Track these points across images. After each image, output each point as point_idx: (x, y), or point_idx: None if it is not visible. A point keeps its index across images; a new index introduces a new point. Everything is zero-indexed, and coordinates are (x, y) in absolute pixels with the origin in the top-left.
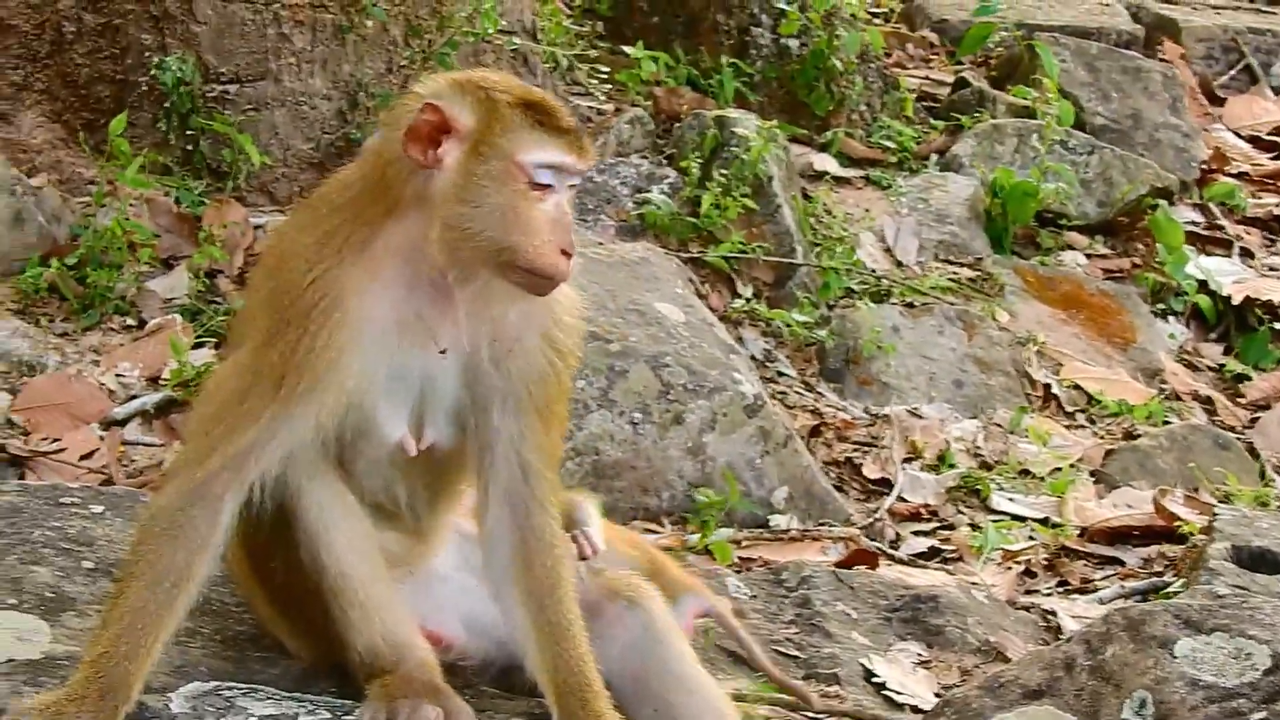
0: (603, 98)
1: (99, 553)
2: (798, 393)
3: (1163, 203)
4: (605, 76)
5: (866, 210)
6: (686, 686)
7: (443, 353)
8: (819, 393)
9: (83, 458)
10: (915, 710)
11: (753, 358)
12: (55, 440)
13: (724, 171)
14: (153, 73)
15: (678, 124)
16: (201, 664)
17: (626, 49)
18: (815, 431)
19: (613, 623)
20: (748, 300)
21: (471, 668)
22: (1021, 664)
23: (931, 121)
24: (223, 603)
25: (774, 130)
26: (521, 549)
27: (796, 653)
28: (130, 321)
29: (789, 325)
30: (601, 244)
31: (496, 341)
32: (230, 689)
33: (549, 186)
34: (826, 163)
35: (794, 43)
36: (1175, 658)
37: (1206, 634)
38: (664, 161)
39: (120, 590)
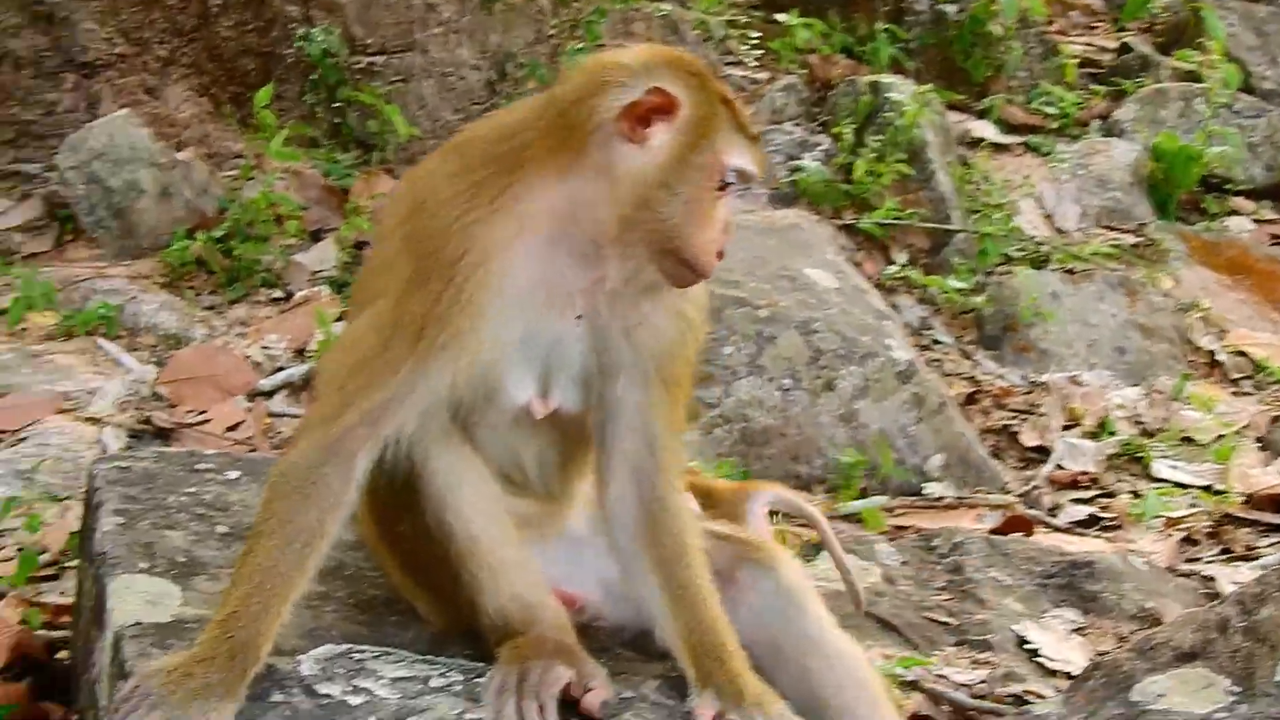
0: (754, 65)
1: (233, 518)
2: (953, 360)
3: None
4: (757, 43)
5: (1025, 177)
6: (824, 652)
7: (578, 319)
8: (975, 360)
9: (228, 430)
10: (1068, 677)
11: (907, 325)
12: (201, 413)
13: (878, 137)
14: (298, 45)
15: (831, 91)
16: (334, 628)
17: (779, 16)
18: (971, 399)
19: (745, 589)
20: (902, 267)
21: (606, 630)
22: (1174, 626)
23: (1093, 87)
24: (357, 567)
25: (929, 95)
26: (649, 519)
27: (948, 619)
28: (277, 294)
29: (945, 292)
30: (753, 211)
31: (629, 313)
32: (361, 652)
33: (730, 188)
34: (985, 129)
35: (951, 8)
36: None
37: None
38: (817, 129)
39: (250, 549)
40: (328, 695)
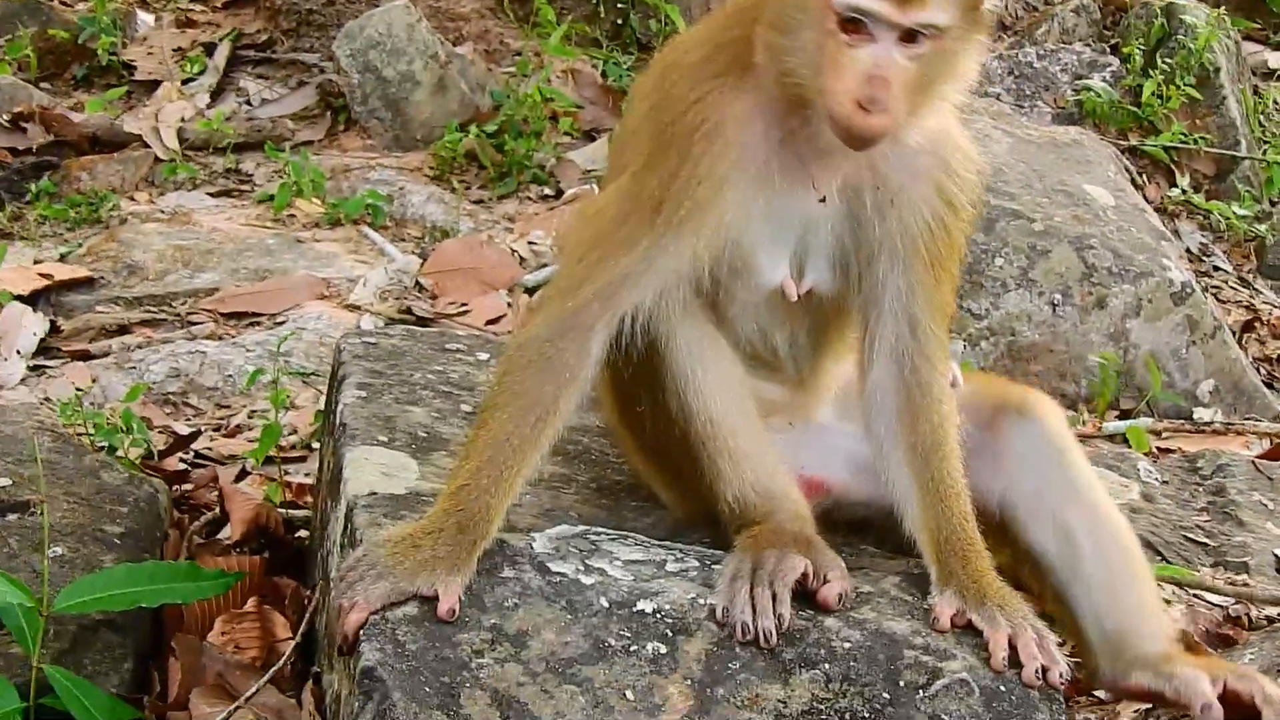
0: None
1: (479, 397)
2: (1232, 288)
3: None
4: None
5: None
6: (1086, 504)
7: (822, 200)
8: (1256, 289)
9: (489, 322)
10: None
11: (1187, 251)
12: (462, 304)
13: (1169, 60)
14: None
15: (1124, 15)
16: (573, 509)
17: None
18: (1248, 326)
19: (1008, 438)
20: (1184, 191)
21: (852, 523)
22: None
23: None
24: (602, 452)
25: (1224, 19)
26: (908, 405)
27: (1206, 540)
28: (547, 190)
29: (1227, 218)
30: (1033, 128)
31: (880, 190)
32: (599, 534)
33: (863, 33)
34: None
35: None
36: None
37: None
38: (1107, 50)
39: (483, 422)
40: (560, 573)
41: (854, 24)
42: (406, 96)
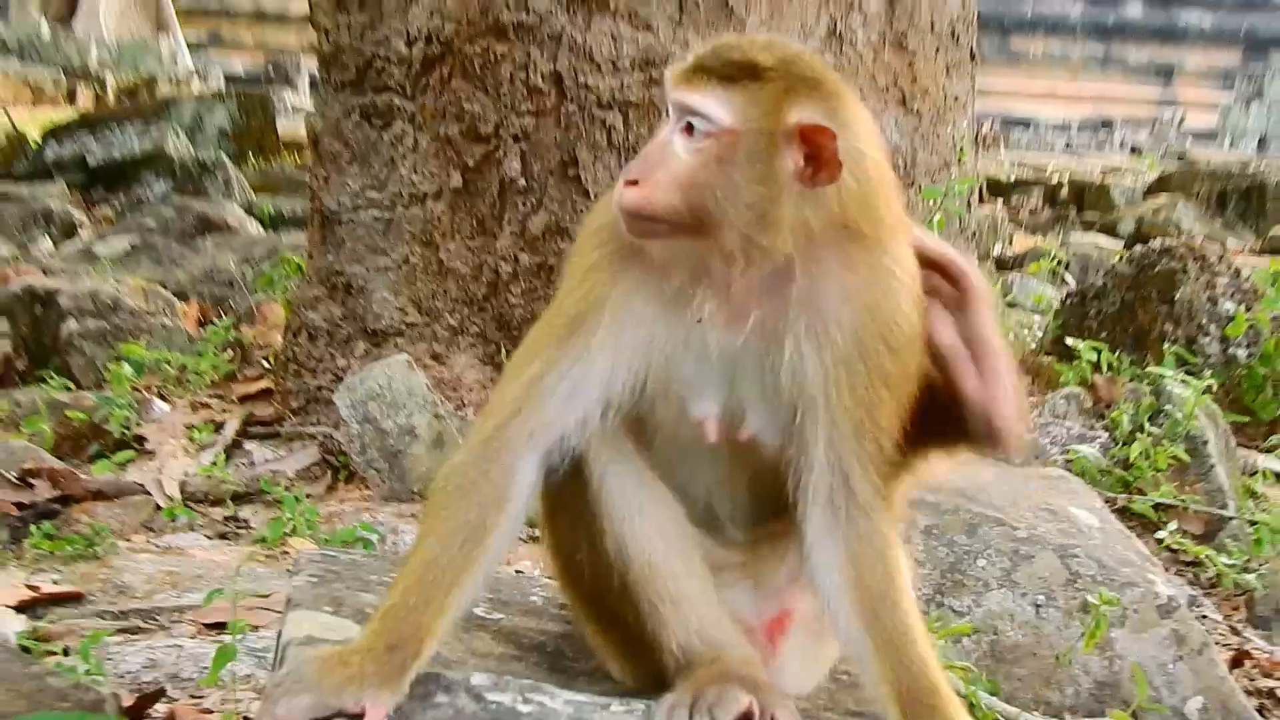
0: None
1: None
2: (1221, 634)
3: None
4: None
5: None
6: None
7: (698, 322)
8: (1244, 636)
9: None
10: None
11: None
12: None
13: (1157, 428)
14: None
15: (1112, 407)
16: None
17: (1069, 340)
18: (1237, 662)
19: None
20: (1170, 534)
21: None
22: None
23: None
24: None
25: (1214, 406)
26: (850, 558)
27: None
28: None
29: (1216, 567)
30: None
31: (804, 316)
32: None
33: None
34: (1271, 464)
35: (1242, 352)
36: None
37: None
38: (1096, 425)
39: (414, 547)
40: (496, 702)
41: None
42: (405, 449)
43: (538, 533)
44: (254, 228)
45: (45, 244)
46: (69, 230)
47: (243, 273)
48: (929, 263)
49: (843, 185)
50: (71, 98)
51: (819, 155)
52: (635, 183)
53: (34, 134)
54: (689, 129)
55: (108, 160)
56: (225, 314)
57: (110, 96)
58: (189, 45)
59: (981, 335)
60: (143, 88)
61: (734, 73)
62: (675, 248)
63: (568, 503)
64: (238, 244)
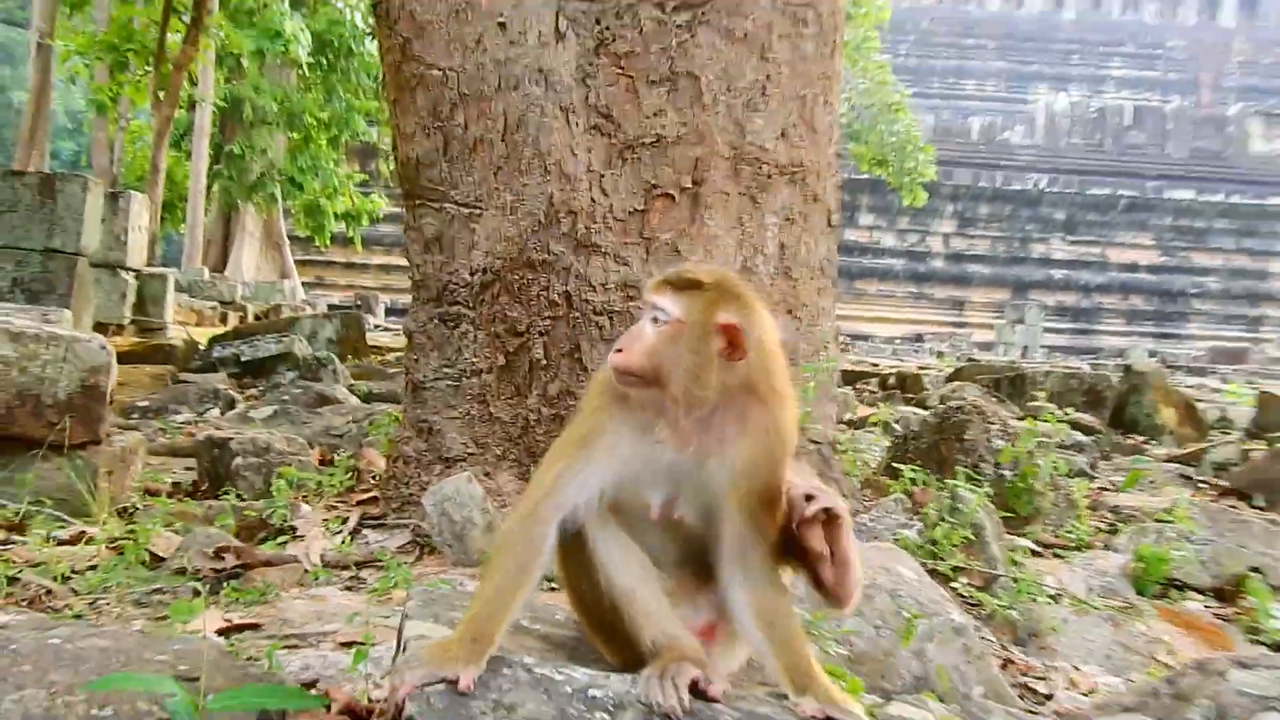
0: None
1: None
2: (995, 650)
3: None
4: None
5: (1051, 571)
6: None
7: (658, 443)
8: (1010, 651)
9: None
10: None
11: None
12: None
13: (952, 520)
14: None
15: (923, 508)
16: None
17: (896, 465)
18: (1004, 666)
19: None
20: (964, 585)
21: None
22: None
23: (1100, 525)
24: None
25: (989, 504)
26: (753, 594)
27: None
28: None
29: (990, 606)
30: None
31: (718, 443)
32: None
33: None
34: (1024, 543)
35: (1008, 472)
36: None
37: None
38: (913, 518)
39: (483, 581)
40: (541, 673)
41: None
42: (467, 533)
43: (554, 583)
44: (354, 401)
45: (214, 412)
46: (230, 404)
47: (348, 429)
48: (808, 495)
49: (749, 361)
50: (224, 320)
51: (734, 341)
52: (621, 351)
53: (202, 342)
54: (655, 319)
55: (254, 358)
56: (338, 456)
57: (250, 318)
58: (303, 284)
59: (841, 547)
60: (272, 312)
61: (685, 285)
62: (645, 394)
63: (574, 557)
64: (344, 411)
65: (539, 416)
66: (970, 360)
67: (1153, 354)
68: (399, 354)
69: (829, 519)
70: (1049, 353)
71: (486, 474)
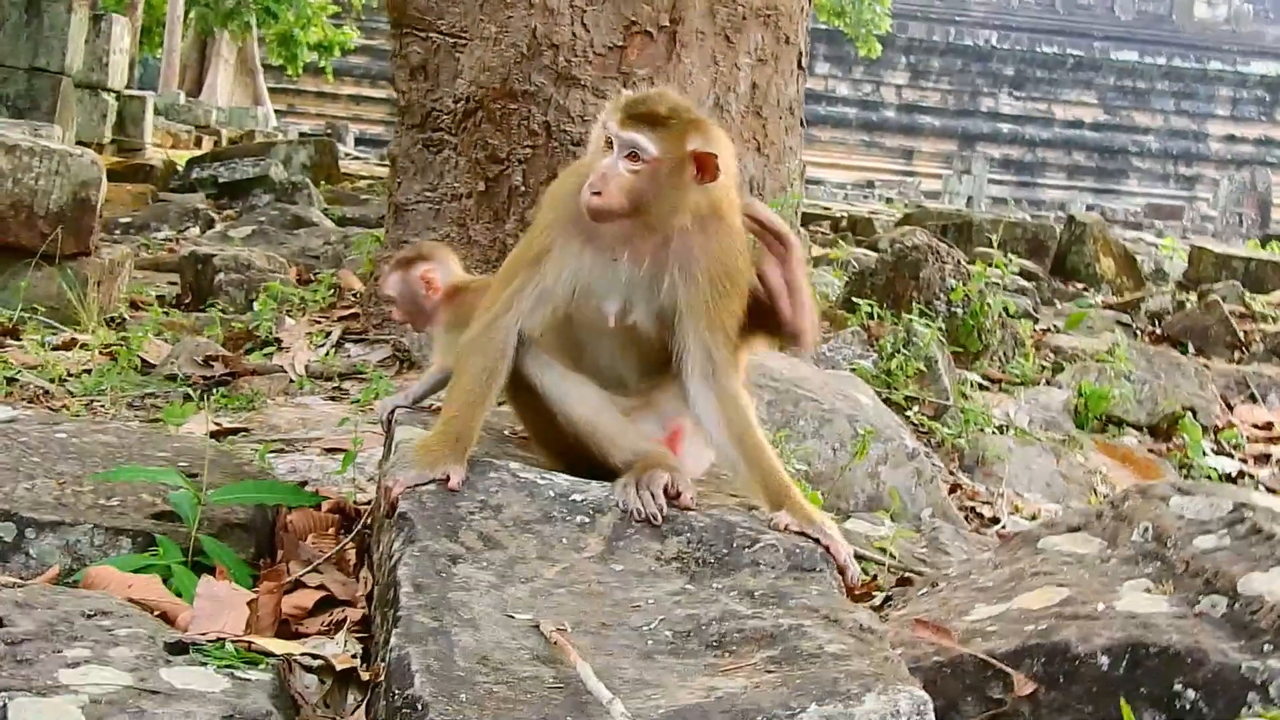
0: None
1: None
2: (944, 475)
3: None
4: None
5: (998, 404)
6: None
7: (615, 260)
8: (957, 477)
9: None
10: None
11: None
12: None
13: (907, 352)
14: None
15: (879, 340)
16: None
17: (854, 299)
18: (952, 490)
19: None
20: (915, 415)
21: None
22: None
23: (1044, 363)
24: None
25: (941, 339)
26: (719, 404)
27: None
28: None
29: (940, 435)
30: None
31: (678, 260)
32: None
33: (610, 149)
34: (973, 376)
35: (960, 310)
36: None
37: None
38: (869, 350)
39: (455, 383)
40: (525, 477)
41: (608, 143)
42: None
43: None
44: (329, 224)
45: (194, 231)
46: (209, 223)
47: (324, 251)
48: (762, 224)
49: (719, 182)
50: (198, 143)
51: (706, 166)
52: (599, 194)
53: (180, 164)
54: (631, 156)
55: (231, 180)
56: (317, 275)
57: (225, 143)
58: (275, 112)
59: (795, 277)
60: (245, 137)
61: (654, 120)
62: (616, 225)
63: (529, 403)
64: (319, 233)
65: (516, 241)
66: (919, 207)
67: (1091, 208)
68: (370, 181)
69: (783, 248)
70: (993, 203)
71: None
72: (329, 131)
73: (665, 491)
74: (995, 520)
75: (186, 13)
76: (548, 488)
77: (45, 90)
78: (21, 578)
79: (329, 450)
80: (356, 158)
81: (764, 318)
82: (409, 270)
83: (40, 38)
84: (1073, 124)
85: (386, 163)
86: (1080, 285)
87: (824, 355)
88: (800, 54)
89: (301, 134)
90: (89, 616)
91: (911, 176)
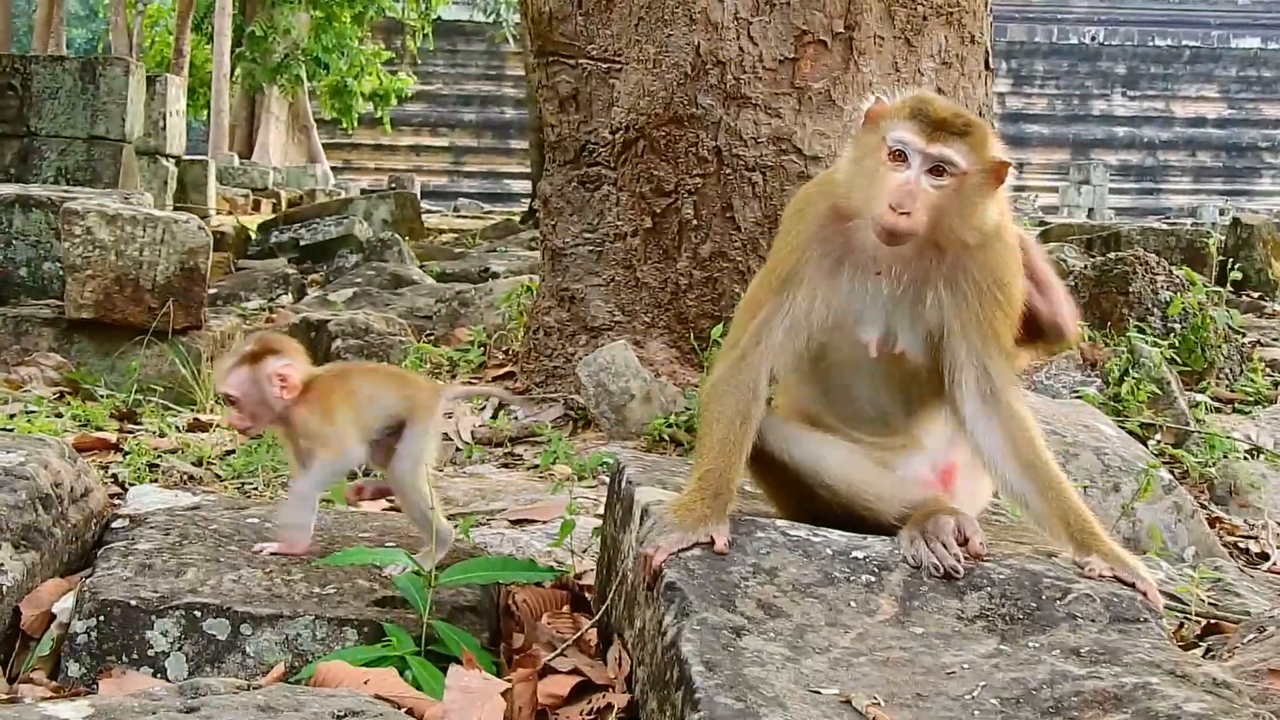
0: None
1: None
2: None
3: None
4: None
5: (1236, 426)
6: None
7: (878, 275)
8: (1211, 510)
9: None
10: None
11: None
12: None
13: (1135, 374)
14: None
15: (1095, 367)
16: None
17: None
18: (1212, 523)
19: None
20: (1157, 443)
21: None
22: None
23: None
24: None
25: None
26: (1003, 427)
27: None
28: None
29: (1187, 463)
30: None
31: (943, 273)
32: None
33: (903, 161)
34: (1203, 399)
35: (1178, 325)
36: None
37: None
38: (1087, 375)
39: (704, 433)
40: (797, 535)
41: (898, 155)
42: (625, 404)
43: None
44: (430, 281)
45: (286, 298)
46: (300, 288)
47: (435, 310)
48: None
49: (998, 194)
50: (256, 207)
51: (999, 176)
52: (907, 214)
53: (252, 229)
54: (936, 170)
55: (314, 242)
56: (426, 337)
57: (284, 204)
58: (331, 169)
59: (1038, 268)
60: (306, 197)
61: (959, 130)
62: (905, 247)
63: (773, 476)
64: (423, 291)
65: (690, 281)
66: (1041, 223)
67: (1222, 212)
68: (454, 235)
69: (1022, 249)
70: (1116, 214)
71: (636, 343)
72: (393, 185)
73: (955, 538)
74: (1264, 556)
75: (233, 70)
76: (824, 545)
77: (106, 160)
78: (244, 679)
79: (516, 522)
80: (429, 211)
81: (1025, 328)
82: (257, 367)
83: (98, 104)
84: (1195, 122)
85: (461, 215)
86: (1255, 294)
87: (1041, 383)
88: (987, 53)
89: (362, 190)
90: (340, 718)
91: (1024, 191)
